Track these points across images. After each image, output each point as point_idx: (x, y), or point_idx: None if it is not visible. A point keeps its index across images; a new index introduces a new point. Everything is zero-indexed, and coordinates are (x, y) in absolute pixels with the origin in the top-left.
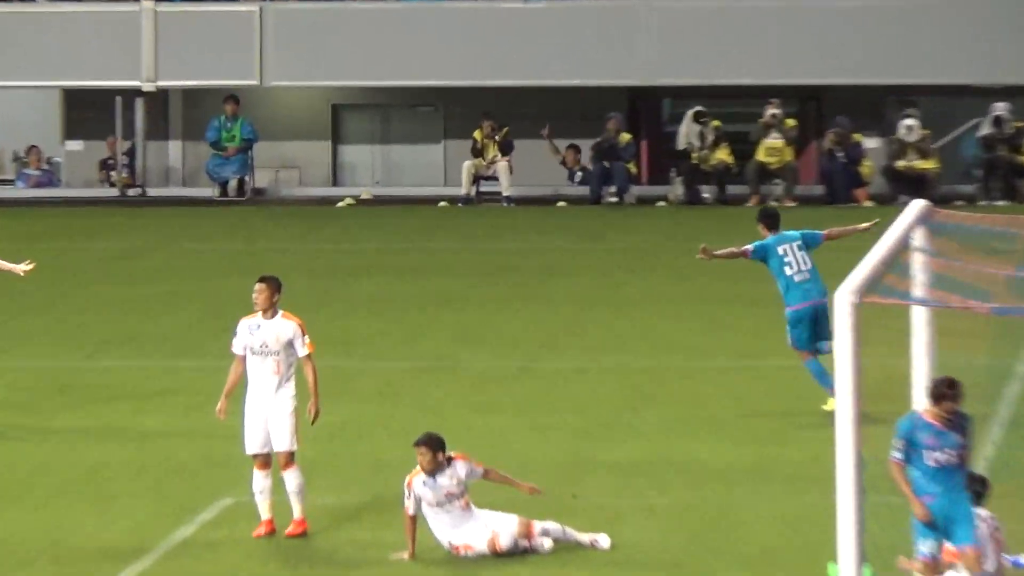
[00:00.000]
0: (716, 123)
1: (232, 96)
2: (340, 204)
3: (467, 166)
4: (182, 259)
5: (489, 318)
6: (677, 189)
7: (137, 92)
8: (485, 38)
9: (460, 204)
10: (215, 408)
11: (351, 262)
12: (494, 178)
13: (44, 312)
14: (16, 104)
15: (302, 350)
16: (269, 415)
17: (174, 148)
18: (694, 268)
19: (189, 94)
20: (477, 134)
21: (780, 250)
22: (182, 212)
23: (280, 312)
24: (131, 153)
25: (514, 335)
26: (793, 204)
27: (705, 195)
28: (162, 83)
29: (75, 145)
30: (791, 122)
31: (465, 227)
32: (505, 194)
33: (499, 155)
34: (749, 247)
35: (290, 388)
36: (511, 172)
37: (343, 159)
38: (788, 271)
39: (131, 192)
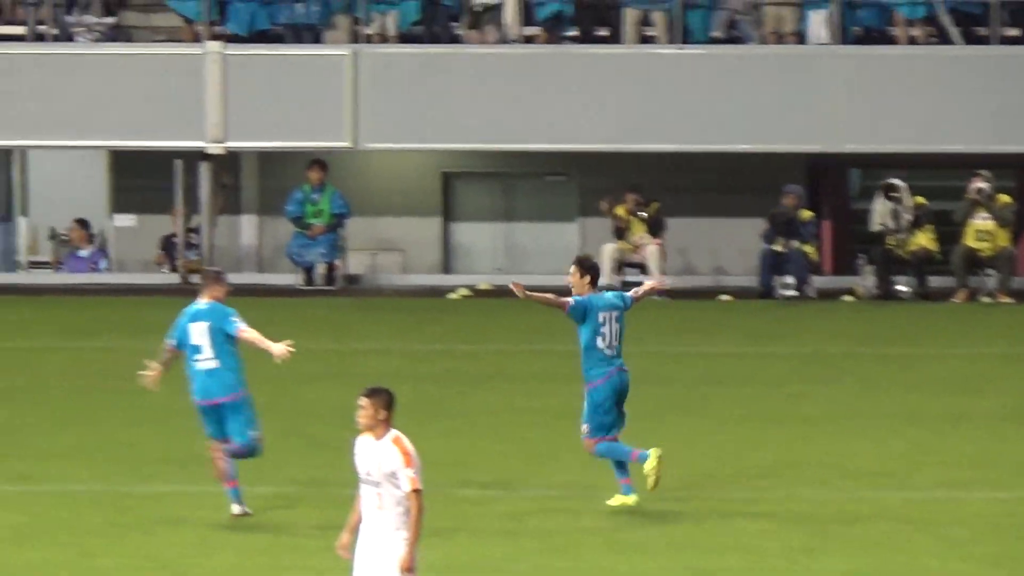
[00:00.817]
0: (919, 200)
1: (318, 161)
2: (452, 295)
3: (608, 250)
4: (256, 361)
5: (634, 438)
6: (867, 280)
7: (201, 155)
8: (630, 92)
9: None
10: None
11: (466, 367)
12: (642, 265)
13: (87, 424)
14: (54, 170)
15: (405, 484)
16: (372, 564)
17: (248, 225)
18: (890, 379)
19: (265, 158)
20: (620, 210)
21: (600, 317)
22: (257, 304)
23: (392, 434)
24: (195, 230)
25: (666, 459)
26: (1009, 300)
27: (901, 288)
28: (232, 144)
29: (125, 220)
30: (1005, 199)
31: None
32: None
33: (647, 236)
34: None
35: (398, 532)
36: (663, 258)
37: (456, 240)
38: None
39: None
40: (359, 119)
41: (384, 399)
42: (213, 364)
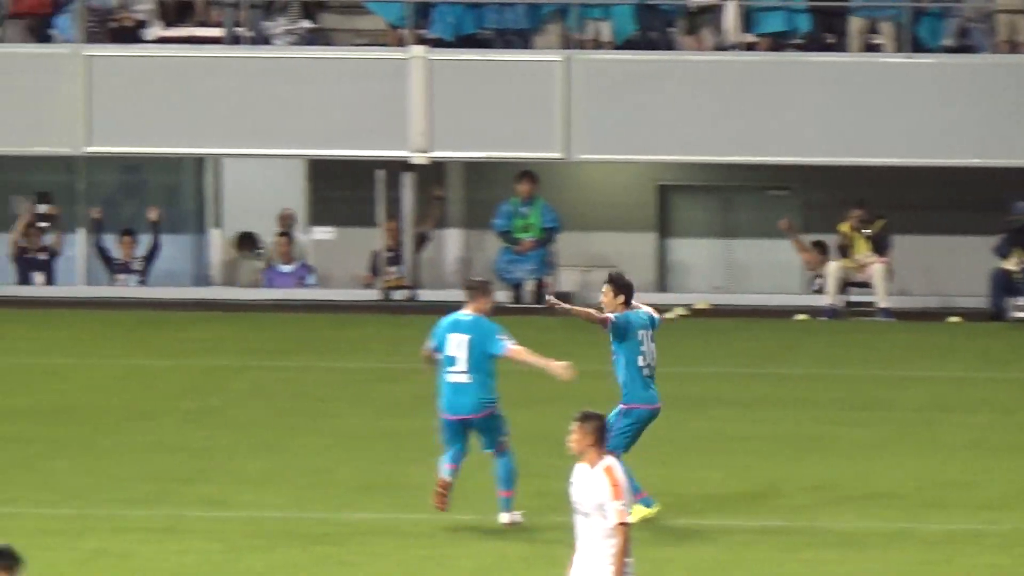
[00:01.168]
0: None
1: (528, 173)
2: (668, 316)
3: (833, 268)
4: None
5: (857, 467)
6: None
7: (404, 165)
8: (855, 103)
9: (824, 318)
10: None
11: (681, 391)
12: (867, 284)
13: (281, 448)
14: (249, 180)
15: (612, 517)
16: None
17: (453, 239)
18: None
19: (472, 169)
20: (844, 227)
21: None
22: None
23: (604, 462)
24: (395, 247)
25: (890, 489)
26: None
27: None
28: (437, 154)
29: (324, 233)
30: None
31: (829, 348)
32: (881, 305)
33: (872, 255)
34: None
35: (606, 565)
36: (889, 277)
37: (673, 257)
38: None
39: (397, 295)
40: (571, 128)
41: (594, 424)
42: (464, 379)
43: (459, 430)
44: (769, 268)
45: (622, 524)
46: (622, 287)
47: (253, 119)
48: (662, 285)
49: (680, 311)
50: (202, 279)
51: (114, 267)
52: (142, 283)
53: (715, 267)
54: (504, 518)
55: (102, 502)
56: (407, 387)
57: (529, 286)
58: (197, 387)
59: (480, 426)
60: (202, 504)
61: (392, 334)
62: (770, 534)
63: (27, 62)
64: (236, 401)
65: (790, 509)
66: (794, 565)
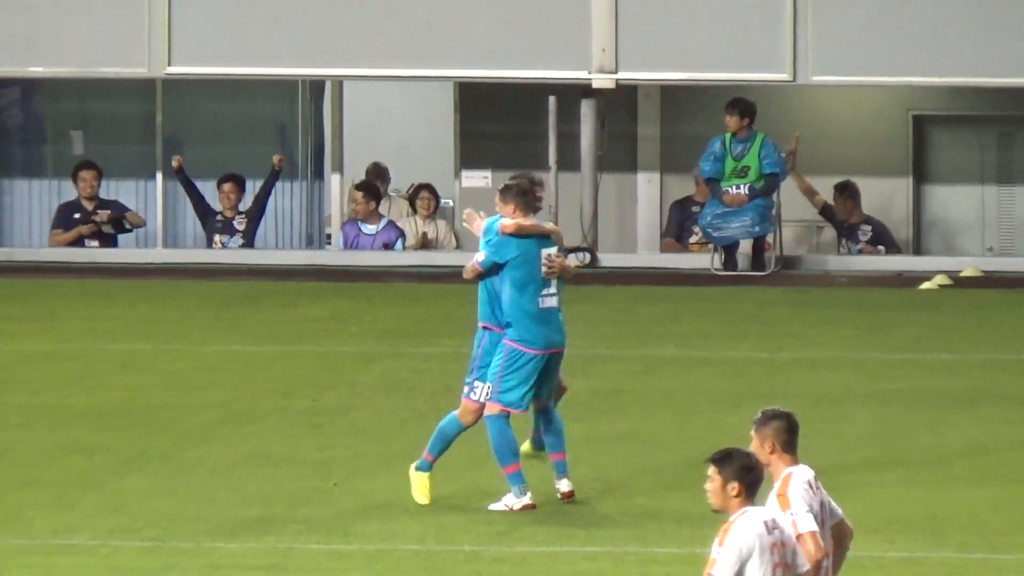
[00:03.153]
0: None
1: (741, 102)
2: (925, 286)
3: None
4: (642, 373)
5: None
6: None
7: (584, 91)
8: None
9: None
10: None
11: (941, 384)
12: None
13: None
14: (377, 114)
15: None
16: None
17: (646, 185)
18: None
19: (669, 97)
20: None
21: None
22: (652, 294)
23: (793, 469)
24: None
25: None
26: None
27: None
28: (625, 76)
29: (476, 177)
30: None
31: None
32: None
33: None
34: None
35: None
36: None
37: (932, 209)
38: None
39: (572, 259)
40: (799, 44)
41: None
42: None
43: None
44: None
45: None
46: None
47: (388, 31)
48: (917, 247)
49: (941, 280)
50: (320, 239)
51: (214, 225)
52: (244, 246)
53: (987, 223)
54: (564, 485)
55: (187, 532)
56: (585, 382)
57: (745, 248)
58: (310, 381)
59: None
60: (316, 534)
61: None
62: None
63: None
64: (361, 399)
65: None
66: None
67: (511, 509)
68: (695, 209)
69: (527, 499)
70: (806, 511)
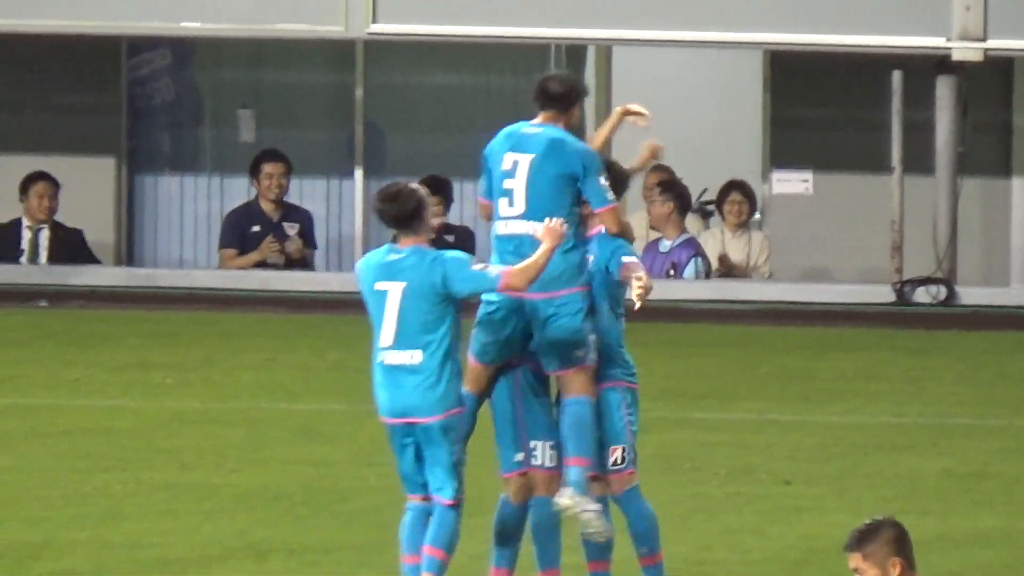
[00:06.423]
0: None
1: None
2: None
3: None
4: (1015, 452)
5: None
6: None
7: (940, 64)
8: None
9: None
10: None
11: None
12: None
13: None
14: (658, 87)
15: None
16: None
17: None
18: None
19: None
20: None
21: None
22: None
23: None
24: None
25: None
26: None
27: None
28: (996, 44)
29: (792, 181)
30: None
31: None
32: None
33: None
34: None
35: None
36: None
37: None
38: None
39: (920, 293)
40: None
41: (885, 540)
42: None
43: None
44: None
45: None
46: None
47: None
48: None
49: None
50: None
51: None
52: None
53: None
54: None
55: None
56: (936, 461)
57: None
58: None
59: None
60: None
61: (907, 363)
62: None
63: None
64: None
65: None
66: None
67: None
68: None
69: None
70: None
